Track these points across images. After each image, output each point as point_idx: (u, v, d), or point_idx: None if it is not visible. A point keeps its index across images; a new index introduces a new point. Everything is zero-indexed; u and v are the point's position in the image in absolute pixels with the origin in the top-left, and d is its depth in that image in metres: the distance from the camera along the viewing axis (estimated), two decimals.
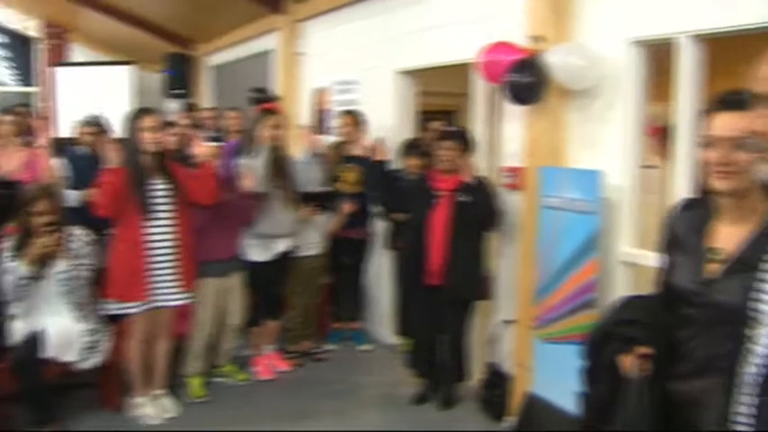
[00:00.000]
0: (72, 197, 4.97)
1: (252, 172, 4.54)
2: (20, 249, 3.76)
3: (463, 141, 4.21)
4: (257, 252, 4.74)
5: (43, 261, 3.77)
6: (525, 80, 3.69)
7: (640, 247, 3.52)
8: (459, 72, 4.86)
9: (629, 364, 1.95)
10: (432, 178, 4.28)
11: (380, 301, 5.67)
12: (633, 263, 3.53)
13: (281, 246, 4.82)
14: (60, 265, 3.80)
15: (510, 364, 4.25)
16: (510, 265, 4.32)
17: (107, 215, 4.01)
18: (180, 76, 9.66)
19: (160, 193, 4.07)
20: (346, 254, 5.47)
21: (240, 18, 7.84)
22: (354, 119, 5.40)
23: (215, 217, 4.41)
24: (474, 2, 4.58)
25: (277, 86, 7.17)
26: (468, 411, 4.37)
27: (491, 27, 4.23)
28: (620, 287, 3.54)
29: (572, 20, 3.78)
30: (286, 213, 4.76)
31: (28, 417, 3.89)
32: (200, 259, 4.37)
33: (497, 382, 4.29)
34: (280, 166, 4.74)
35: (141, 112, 4.10)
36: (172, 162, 4.22)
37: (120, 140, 4.20)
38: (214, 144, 4.55)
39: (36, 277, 3.77)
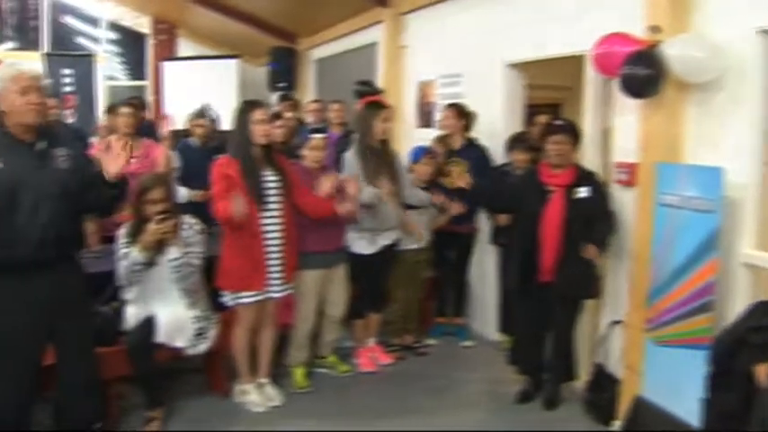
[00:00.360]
0: (182, 194, 5.13)
1: (354, 176, 4.54)
2: (134, 236, 3.87)
3: (573, 135, 4.10)
4: (362, 245, 4.75)
5: (156, 247, 3.86)
6: (642, 73, 3.55)
7: (763, 249, 3.34)
8: (563, 64, 4.75)
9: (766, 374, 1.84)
10: (542, 173, 4.17)
11: (484, 298, 5.60)
12: (755, 265, 3.35)
13: (386, 239, 4.81)
14: (172, 252, 3.88)
15: (618, 365, 4.12)
16: (620, 264, 4.17)
17: (224, 209, 3.97)
18: (284, 70, 9.80)
19: (270, 185, 4.13)
20: (450, 248, 5.43)
21: (344, 11, 7.88)
22: (457, 112, 5.35)
23: None
24: None
25: (381, 79, 7.17)
26: (573, 413, 4.26)
27: (605, 18, 4.09)
28: (741, 291, 3.37)
29: (692, 9, 3.62)
30: (390, 206, 4.74)
31: (141, 398, 4.04)
32: (305, 250, 4.41)
33: (605, 384, 4.16)
34: (387, 160, 4.73)
35: (251, 105, 4.17)
36: (279, 154, 4.28)
37: (230, 133, 4.25)
38: (319, 136, 4.56)
39: (149, 263, 3.87)
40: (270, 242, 4.13)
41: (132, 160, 4.83)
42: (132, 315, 3.98)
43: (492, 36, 5.43)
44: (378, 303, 5.00)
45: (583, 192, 4.01)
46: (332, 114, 6.95)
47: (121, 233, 3.97)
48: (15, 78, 3.08)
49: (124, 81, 11.75)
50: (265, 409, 4.27)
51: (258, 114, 4.09)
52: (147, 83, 11.40)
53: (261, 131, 4.08)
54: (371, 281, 4.88)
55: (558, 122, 4.22)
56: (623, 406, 3.91)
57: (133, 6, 11.11)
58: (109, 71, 11.60)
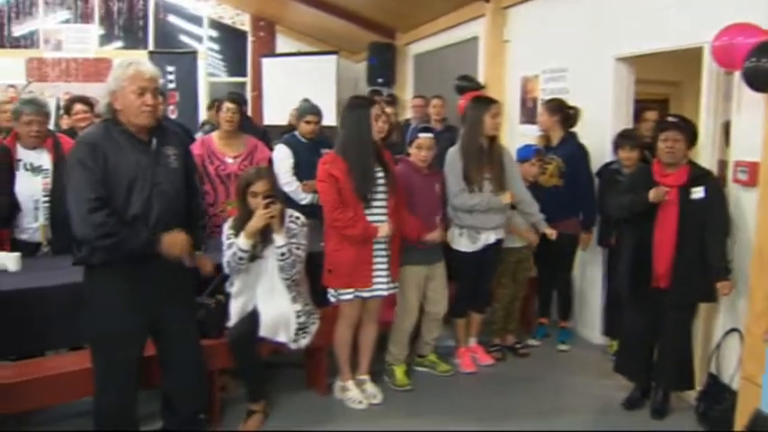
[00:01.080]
0: (296, 193, 5.15)
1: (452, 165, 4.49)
2: (239, 228, 3.89)
3: (687, 132, 3.89)
4: (465, 242, 4.66)
5: (261, 236, 3.89)
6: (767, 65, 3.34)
7: None
8: (671, 58, 4.54)
9: None
10: (654, 172, 3.98)
11: (589, 299, 5.44)
12: None
13: (490, 237, 4.68)
14: (278, 240, 3.88)
15: (734, 376, 3.90)
16: (738, 268, 3.95)
17: (333, 206, 4.00)
18: (382, 66, 9.82)
19: (378, 182, 4.11)
20: (554, 248, 5.29)
21: (445, 6, 7.80)
22: (549, 108, 5.21)
23: (421, 205, 4.41)
24: None
25: (482, 75, 7.07)
26: (683, 423, 4.07)
27: (724, 7, 3.87)
28: None
29: None
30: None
31: (243, 390, 4.10)
32: (407, 245, 4.37)
33: (719, 395, 3.95)
34: (494, 157, 4.63)
35: (368, 102, 4.16)
36: (384, 150, 4.24)
37: (342, 129, 4.19)
38: (427, 135, 4.47)
39: (254, 254, 3.91)
40: (377, 240, 4.10)
41: (233, 160, 4.95)
42: (236, 308, 4.02)
43: (600, 29, 5.25)
44: (480, 303, 4.91)
45: (698, 192, 3.81)
46: (432, 110, 6.92)
47: (227, 226, 4.02)
48: (133, 78, 3.13)
49: (225, 77, 12.02)
50: (365, 406, 4.25)
51: (377, 110, 4.09)
52: (247, 79, 11.61)
53: (376, 129, 4.06)
54: (473, 279, 4.77)
55: (671, 119, 4.00)
56: (740, 419, 3.70)
57: (233, 4, 11.34)
58: (210, 68, 11.90)
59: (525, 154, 4.99)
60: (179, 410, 3.56)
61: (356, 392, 4.29)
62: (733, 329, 3.97)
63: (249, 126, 6.56)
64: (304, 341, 4.08)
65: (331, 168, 4.00)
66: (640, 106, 5.49)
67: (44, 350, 4.07)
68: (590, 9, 5.38)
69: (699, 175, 3.87)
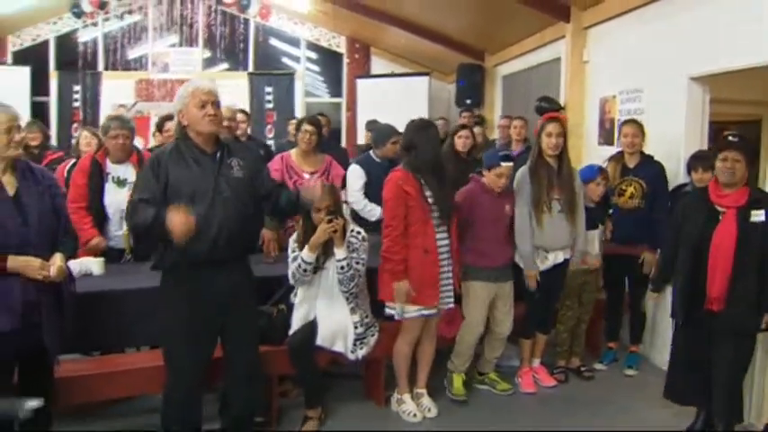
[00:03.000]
0: (364, 211, 5.28)
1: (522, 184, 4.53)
2: (304, 242, 4.07)
3: (747, 151, 3.77)
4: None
5: (323, 249, 4.05)
6: None
7: None
8: (761, 76, 4.40)
9: None
10: (711, 192, 3.88)
11: (659, 323, 5.31)
12: None
13: (558, 256, 4.68)
14: (338, 254, 4.03)
15: None
16: None
17: (397, 224, 4.12)
18: (471, 87, 9.90)
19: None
20: (625, 271, 5.21)
21: (529, 28, 7.84)
22: (639, 128, 5.13)
23: (493, 226, 4.47)
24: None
25: (563, 95, 7.04)
26: None
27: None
28: None
29: None
30: (564, 226, 4.61)
31: (303, 396, 4.25)
32: (475, 264, 4.46)
33: None
34: (560, 175, 4.63)
35: (429, 124, 4.30)
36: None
37: (415, 147, 4.27)
38: (508, 164, 4.49)
39: (317, 265, 4.07)
40: (443, 257, 4.20)
41: (310, 176, 5.14)
42: (298, 318, 4.19)
43: (673, 48, 5.17)
44: (545, 323, 4.90)
45: (759, 215, 3.67)
46: (513, 131, 6.93)
47: (291, 239, 4.21)
48: (193, 93, 3.41)
49: (321, 98, 12.38)
50: (420, 419, 4.32)
51: (433, 132, 4.25)
52: (343, 99, 11.91)
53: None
54: (542, 300, 4.77)
55: (731, 138, 3.88)
56: None
57: (330, 27, 11.67)
58: (311, 88, 12.30)
59: (588, 174, 4.92)
60: (234, 412, 3.74)
61: (412, 405, 4.37)
62: None
63: (334, 145, 6.75)
64: (361, 352, 4.20)
65: (404, 184, 4.11)
66: (720, 127, 5.34)
67: (124, 347, 4.39)
68: (665, 27, 5.31)
69: (759, 197, 3.74)
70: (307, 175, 5.16)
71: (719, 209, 3.77)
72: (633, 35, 5.84)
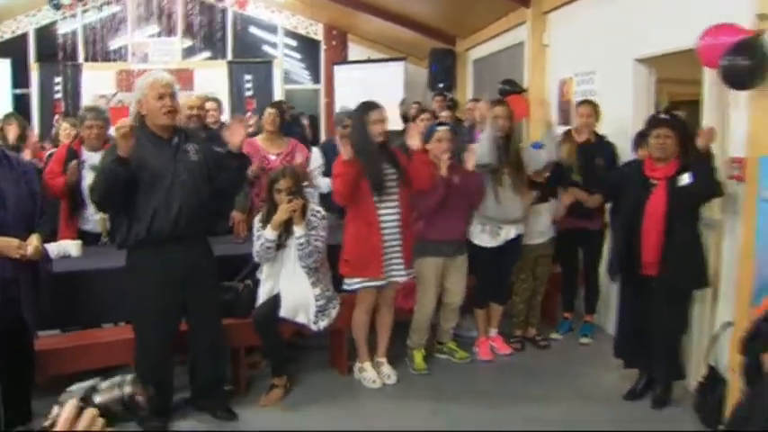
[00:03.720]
0: (323, 184, 5.52)
1: (474, 151, 4.73)
2: (267, 221, 4.33)
3: (677, 128, 4.04)
4: (484, 238, 4.94)
5: (285, 227, 4.31)
6: (742, 63, 3.48)
7: None
8: None
9: None
10: (645, 167, 4.16)
11: (611, 293, 5.56)
12: None
13: (510, 232, 4.95)
14: (298, 231, 4.29)
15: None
16: (733, 262, 4.06)
17: (345, 202, 4.49)
18: (443, 71, 10.12)
19: (388, 178, 4.46)
20: (579, 244, 5.48)
21: (495, 13, 8.05)
22: (594, 108, 5.38)
23: (442, 199, 4.70)
24: None
25: (526, 78, 7.28)
26: (682, 413, 4.19)
27: (720, 8, 4.00)
28: None
29: None
30: (515, 200, 4.89)
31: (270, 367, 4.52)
32: (427, 239, 4.71)
33: (715, 386, 4.05)
34: (507, 152, 4.88)
35: (368, 107, 4.52)
36: (395, 149, 4.59)
37: (351, 132, 4.59)
38: (443, 128, 4.78)
39: (279, 244, 4.33)
40: (387, 231, 4.45)
41: (276, 156, 5.38)
42: (264, 293, 4.45)
43: (621, 31, 5.41)
44: (499, 295, 5.17)
45: (684, 179, 3.95)
46: (476, 113, 7.15)
47: (257, 219, 4.47)
48: (152, 85, 3.68)
49: (299, 84, 12.58)
50: (380, 386, 4.59)
51: (375, 115, 4.44)
52: (321, 86, 12.10)
53: (377, 130, 4.42)
54: (493, 273, 5.04)
55: (662, 115, 4.16)
56: (729, 410, 3.82)
57: (307, 15, 11.85)
58: (293, 76, 12.50)
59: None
60: (200, 381, 4.01)
61: (372, 373, 4.63)
62: (729, 323, 4.08)
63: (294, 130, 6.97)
64: (323, 323, 4.46)
65: (347, 167, 4.35)
66: (670, 106, 5.59)
67: (101, 323, 4.64)
68: (615, 12, 5.55)
69: (687, 164, 4.00)
70: (272, 157, 5.39)
71: (653, 181, 4.06)
72: (587, 19, 6.08)
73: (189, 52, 11.95)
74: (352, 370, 4.74)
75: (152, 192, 3.64)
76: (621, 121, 5.39)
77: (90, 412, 1.23)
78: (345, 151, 4.33)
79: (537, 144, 5.22)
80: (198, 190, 3.78)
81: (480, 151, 4.70)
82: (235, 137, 3.88)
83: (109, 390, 1.30)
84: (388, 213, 4.46)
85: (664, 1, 4.89)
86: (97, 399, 1.28)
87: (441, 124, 4.95)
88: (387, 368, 4.70)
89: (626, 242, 4.14)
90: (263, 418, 4.17)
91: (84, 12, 11.45)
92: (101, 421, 1.23)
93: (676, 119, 4.13)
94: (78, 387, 1.29)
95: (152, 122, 3.72)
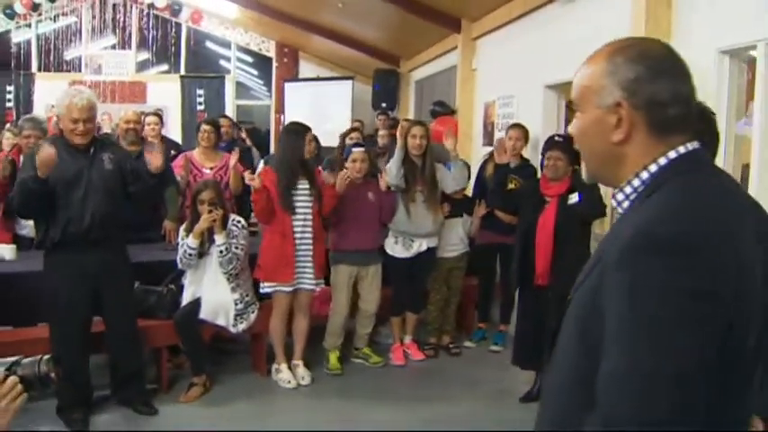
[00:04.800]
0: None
1: (388, 172, 5.12)
2: (190, 230, 4.61)
3: (569, 150, 4.39)
4: (397, 249, 5.27)
5: (207, 236, 4.59)
6: None
7: None
8: None
9: None
10: (542, 185, 4.53)
11: None
12: None
13: (422, 245, 5.27)
14: (219, 240, 4.57)
15: None
16: None
17: (265, 222, 4.83)
18: (386, 91, 10.48)
19: (302, 193, 4.80)
20: (495, 257, 5.80)
21: (433, 36, 8.45)
22: (524, 132, 5.65)
23: (354, 211, 5.04)
24: (593, 17, 4.81)
25: (456, 100, 7.65)
26: None
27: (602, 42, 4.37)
28: None
29: (667, 31, 3.90)
30: (427, 215, 5.22)
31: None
32: (341, 248, 5.04)
33: None
34: (423, 170, 5.22)
35: (305, 129, 4.89)
36: (313, 167, 4.97)
37: (278, 148, 4.94)
38: (359, 149, 5.12)
39: (201, 251, 4.60)
40: (300, 242, 4.78)
41: (209, 170, 5.65)
42: (187, 296, 4.72)
43: (536, 59, 5.81)
44: (414, 304, 5.48)
45: (574, 197, 4.32)
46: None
47: (182, 228, 4.76)
48: (68, 108, 3.93)
49: (252, 100, 12.86)
50: (294, 386, 4.86)
51: (309, 136, 4.84)
52: (272, 102, 12.40)
53: (309, 150, 4.81)
54: (408, 283, 5.37)
55: (557, 138, 4.53)
56: None
57: (260, 32, 12.16)
58: (254, 91, 12.80)
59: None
60: (119, 373, 4.31)
61: (287, 374, 4.90)
62: None
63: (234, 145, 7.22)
64: (242, 326, 4.76)
65: (265, 179, 4.70)
66: None
67: (36, 322, 4.82)
68: (532, 40, 5.95)
69: (576, 184, 4.37)
70: (206, 171, 5.66)
71: (547, 198, 4.43)
72: (510, 46, 6.48)
73: (143, 65, 12.17)
74: (270, 372, 5.01)
75: (68, 198, 3.92)
76: (533, 142, 5.76)
77: (13, 379, 1.68)
78: (255, 182, 4.65)
79: (449, 165, 5.54)
80: (111, 197, 4.05)
81: (390, 173, 5.08)
82: (155, 160, 4.15)
83: (30, 366, 1.75)
84: (302, 226, 4.79)
85: (571, 33, 5.28)
86: (19, 371, 1.73)
87: (357, 145, 5.31)
88: (302, 370, 4.97)
89: (523, 254, 4.49)
90: (181, 414, 4.41)
91: (39, 22, 11.62)
92: (20, 387, 1.69)
93: (569, 142, 4.46)
94: (3, 361, 1.73)
95: (67, 136, 4.00)
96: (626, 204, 1.32)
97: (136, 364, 4.36)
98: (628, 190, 1.31)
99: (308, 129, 4.92)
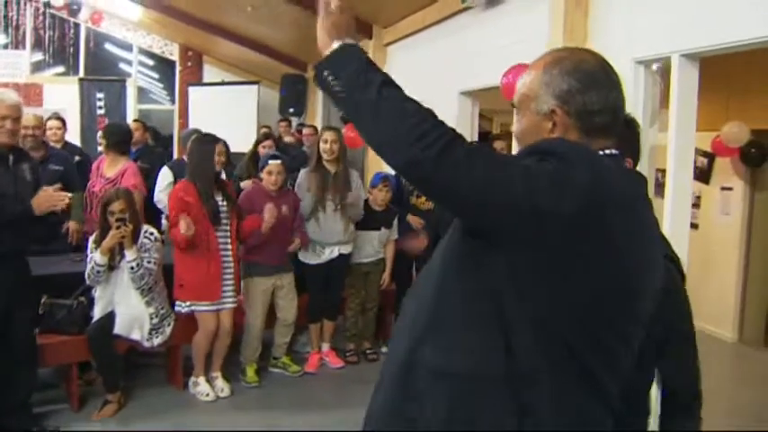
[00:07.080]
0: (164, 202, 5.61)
1: (301, 185, 5.10)
2: (99, 243, 4.39)
3: None
4: (308, 255, 5.25)
5: (118, 249, 4.40)
6: None
7: None
8: None
9: None
10: None
11: None
12: None
13: (333, 252, 5.26)
14: (129, 256, 4.39)
15: None
16: None
17: (189, 245, 4.55)
18: (293, 96, 10.40)
19: (222, 208, 4.70)
20: (412, 263, 5.83)
21: None
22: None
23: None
24: (510, 26, 4.89)
25: None
26: None
27: (520, 51, 4.49)
28: None
29: (583, 40, 4.03)
30: (338, 223, 5.21)
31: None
32: (251, 260, 4.95)
33: None
34: (335, 176, 5.19)
35: (216, 139, 4.80)
36: (227, 181, 4.92)
37: (190, 160, 4.84)
38: (276, 162, 5.02)
39: (111, 265, 4.42)
40: (223, 258, 4.67)
41: (105, 180, 5.40)
42: (98, 310, 4.51)
43: (450, 66, 5.88)
44: (329, 311, 5.46)
45: None
46: (312, 138, 7.46)
47: (91, 239, 4.52)
48: None
49: (153, 104, 12.53)
50: (213, 399, 4.75)
51: (219, 147, 4.72)
52: (175, 107, 12.10)
53: (219, 162, 4.72)
54: (321, 289, 5.35)
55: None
56: None
57: (163, 35, 11.87)
58: (154, 96, 12.44)
59: (374, 181, 5.53)
60: (9, 393, 3.98)
61: (206, 386, 4.79)
62: None
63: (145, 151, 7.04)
64: (157, 340, 4.59)
65: (184, 194, 4.58)
66: (493, 136, 6.10)
67: None
68: (444, 48, 6.03)
69: None
70: (103, 180, 5.43)
71: None
72: (423, 53, 6.55)
73: (38, 67, 11.67)
74: (188, 385, 4.88)
75: None
76: None
77: None
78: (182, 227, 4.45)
79: (379, 174, 5.55)
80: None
81: (299, 184, 5.14)
82: (42, 206, 3.78)
83: None
84: (223, 242, 4.69)
85: (486, 41, 5.37)
86: None
87: (273, 157, 5.18)
88: (220, 382, 4.86)
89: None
90: None
91: None
92: None
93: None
94: None
95: None
96: None
97: (30, 387, 4.11)
98: None
99: (218, 140, 4.84)
